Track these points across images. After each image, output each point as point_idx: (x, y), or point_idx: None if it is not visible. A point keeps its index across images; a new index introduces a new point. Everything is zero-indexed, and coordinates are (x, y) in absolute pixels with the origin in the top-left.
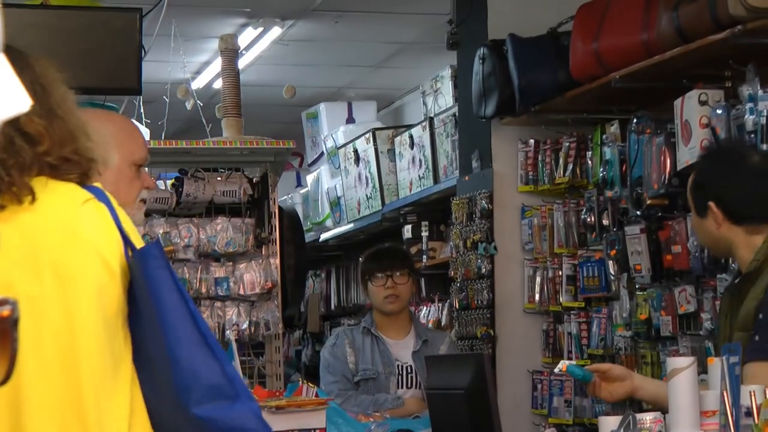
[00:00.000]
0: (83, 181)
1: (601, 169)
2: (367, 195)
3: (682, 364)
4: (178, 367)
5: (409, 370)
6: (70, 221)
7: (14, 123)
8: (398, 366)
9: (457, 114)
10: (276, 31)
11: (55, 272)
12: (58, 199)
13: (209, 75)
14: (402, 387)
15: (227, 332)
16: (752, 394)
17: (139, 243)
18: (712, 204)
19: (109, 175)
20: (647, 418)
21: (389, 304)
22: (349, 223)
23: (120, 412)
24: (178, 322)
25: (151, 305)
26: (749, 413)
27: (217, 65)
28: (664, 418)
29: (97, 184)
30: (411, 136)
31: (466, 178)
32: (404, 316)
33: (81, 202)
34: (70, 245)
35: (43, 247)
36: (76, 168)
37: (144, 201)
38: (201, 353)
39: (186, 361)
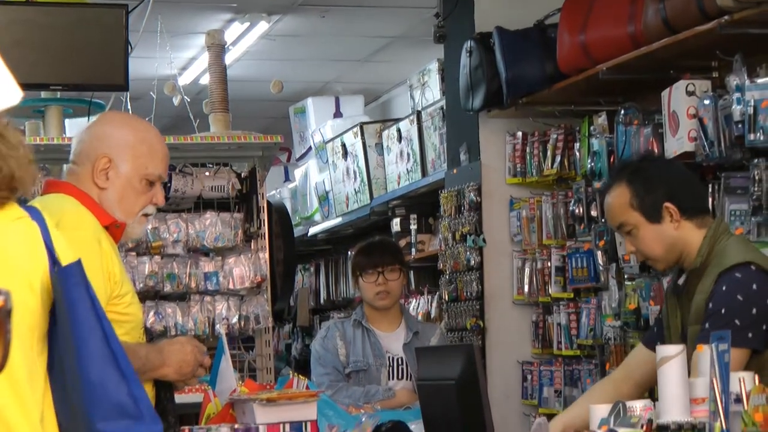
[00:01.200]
0: (10, 196)
1: (589, 161)
2: (355, 189)
3: (671, 353)
4: (87, 382)
5: (399, 362)
6: None
7: None
8: (389, 358)
9: (444, 107)
10: (263, 26)
11: None
12: None
13: (196, 71)
14: (393, 378)
15: (217, 326)
16: (741, 381)
17: (67, 261)
18: (668, 204)
19: (117, 183)
20: (637, 406)
21: (380, 300)
22: (337, 217)
23: (33, 421)
24: (90, 339)
25: (67, 321)
26: (738, 400)
27: (204, 61)
28: (654, 405)
29: (34, 204)
30: (399, 130)
31: (454, 171)
32: (395, 308)
33: (11, 220)
34: None
35: None
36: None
37: (147, 216)
38: (109, 371)
39: (95, 377)
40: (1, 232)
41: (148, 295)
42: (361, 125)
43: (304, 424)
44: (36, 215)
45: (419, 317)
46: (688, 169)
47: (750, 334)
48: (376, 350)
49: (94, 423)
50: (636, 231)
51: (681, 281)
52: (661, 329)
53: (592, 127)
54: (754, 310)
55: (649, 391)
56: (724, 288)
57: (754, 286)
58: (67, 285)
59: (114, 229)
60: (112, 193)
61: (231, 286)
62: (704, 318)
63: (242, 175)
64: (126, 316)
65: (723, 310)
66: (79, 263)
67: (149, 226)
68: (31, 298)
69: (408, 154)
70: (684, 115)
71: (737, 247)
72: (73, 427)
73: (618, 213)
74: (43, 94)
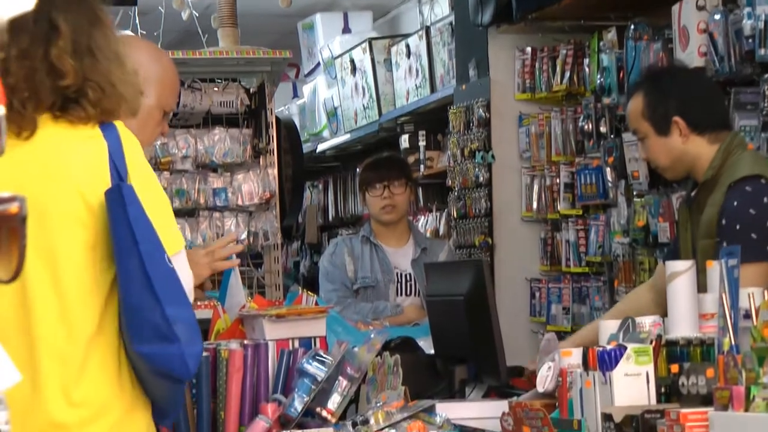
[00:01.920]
0: (104, 118)
1: (599, 76)
2: (363, 105)
3: (680, 268)
4: (126, 304)
5: (408, 278)
6: (56, 158)
7: (45, 57)
8: (397, 274)
9: (453, 22)
10: None
11: (33, 205)
12: (54, 136)
13: None
14: (401, 295)
15: None
16: (751, 296)
17: (136, 180)
18: (677, 118)
19: (141, 112)
20: (646, 321)
21: (386, 214)
22: (346, 133)
23: (76, 339)
24: (128, 262)
25: (111, 243)
26: (748, 315)
27: None
28: (663, 321)
29: (117, 123)
30: (407, 46)
31: (463, 87)
32: (403, 224)
33: (82, 140)
34: (50, 181)
35: (26, 180)
36: (99, 104)
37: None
38: (145, 295)
39: (132, 300)
40: (67, 150)
41: None
42: (370, 41)
43: (313, 339)
44: (111, 133)
45: (428, 234)
46: (711, 84)
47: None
48: (384, 266)
49: (132, 344)
50: (646, 140)
51: (694, 193)
52: (677, 243)
53: (601, 43)
54: None
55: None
56: (735, 203)
57: (765, 199)
58: (110, 205)
59: None
60: (135, 122)
61: (240, 202)
62: (718, 234)
63: (251, 90)
64: None
65: (738, 226)
66: (123, 186)
67: (158, 142)
68: (87, 215)
69: (417, 70)
70: (694, 29)
71: (749, 161)
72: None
73: (633, 119)
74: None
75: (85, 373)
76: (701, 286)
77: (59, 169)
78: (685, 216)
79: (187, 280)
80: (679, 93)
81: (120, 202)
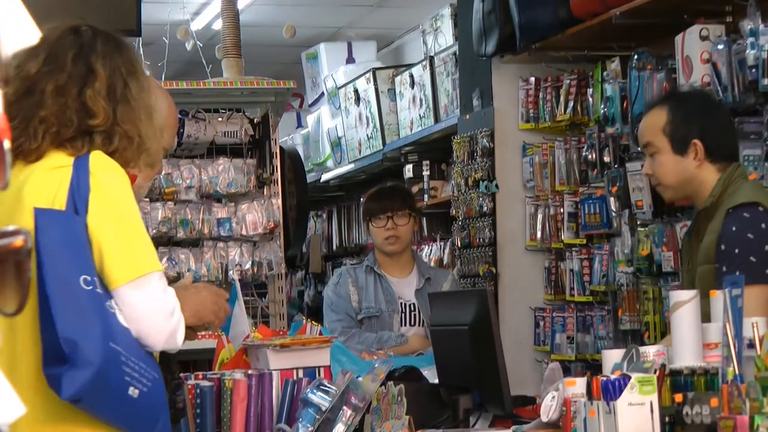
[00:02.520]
0: (126, 161)
1: (602, 106)
2: (367, 135)
3: (684, 298)
4: (42, 326)
5: (412, 308)
6: (24, 185)
7: (78, 96)
8: (401, 304)
9: (457, 52)
10: None
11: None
12: (38, 165)
13: (209, 15)
14: (405, 325)
15: (230, 272)
16: (755, 325)
17: (95, 210)
18: (697, 141)
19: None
20: (650, 351)
21: (389, 245)
22: (350, 163)
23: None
24: (38, 285)
25: None
26: (752, 345)
27: (216, 5)
28: (667, 350)
29: (94, 153)
30: (411, 76)
31: (467, 116)
32: (406, 254)
33: (48, 169)
34: (15, 205)
35: (3, 204)
36: (126, 143)
37: None
38: (45, 316)
39: (39, 321)
40: (34, 178)
41: (161, 241)
42: (374, 71)
43: (317, 369)
44: (80, 164)
45: (432, 263)
46: (728, 116)
47: (767, 270)
48: (388, 296)
49: (43, 367)
50: (658, 155)
51: (692, 222)
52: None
53: (605, 73)
54: (767, 247)
55: (662, 335)
56: (733, 228)
57: (763, 225)
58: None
59: None
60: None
61: (244, 232)
62: (717, 259)
63: (255, 120)
64: None
65: (737, 250)
66: (37, 213)
67: (162, 173)
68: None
69: (421, 100)
70: (697, 59)
71: (749, 189)
72: None
73: (649, 132)
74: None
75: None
76: (703, 314)
77: (21, 195)
78: (687, 246)
79: (154, 304)
80: (704, 118)
81: (41, 225)
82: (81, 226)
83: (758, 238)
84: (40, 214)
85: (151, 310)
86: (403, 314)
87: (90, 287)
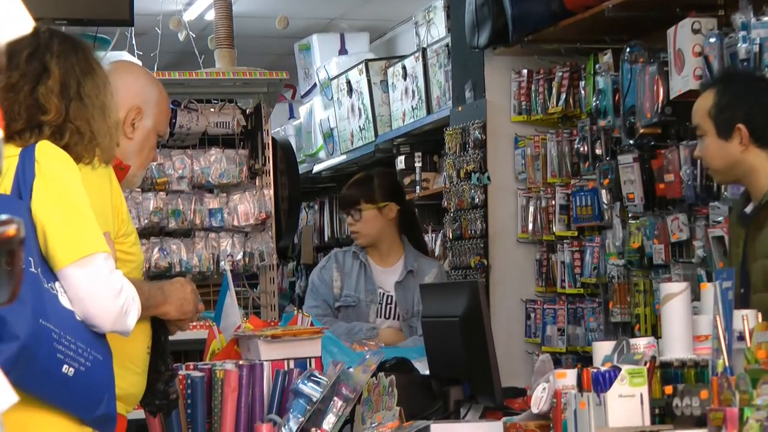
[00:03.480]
0: (78, 156)
1: (594, 99)
2: (360, 126)
3: (675, 290)
4: None
5: (389, 301)
6: None
7: (30, 93)
8: (380, 294)
9: (450, 44)
10: None
11: None
12: None
13: (201, 6)
14: (381, 317)
15: (222, 263)
16: (745, 318)
17: (39, 198)
18: (741, 125)
19: (139, 134)
20: (641, 343)
21: (355, 239)
22: (342, 154)
23: None
24: None
25: None
26: (741, 337)
27: None
28: (658, 342)
29: (41, 143)
30: (404, 67)
31: (459, 108)
32: (391, 244)
33: None
34: None
35: None
36: (78, 139)
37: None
38: None
39: None
40: None
41: (152, 232)
42: (366, 62)
43: (308, 360)
44: (27, 153)
45: None
46: None
47: None
48: (369, 285)
49: None
50: (705, 138)
51: (749, 210)
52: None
53: (597, 65)
54: None
55: (652, 327)
56: None
57: None
58: None
59: (118, 171)
60: (134, 144)
61: (235, 223)
62: None
63: (247, 111)
64: (130, 255)
65: None
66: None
67: (154, 163)
68: None
69: (413, 92)
70: (689, 53)
71: None
72: None
73: (697, 115)
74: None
75: None
76: (762, 306)
77: None
78: (738, 231)
79: (99, 284)
80: (750, 101)
81: None
82: (24, 210)
83: None
84: None
85: (96, 289)
86: (380, 305)
87: (27, 268)
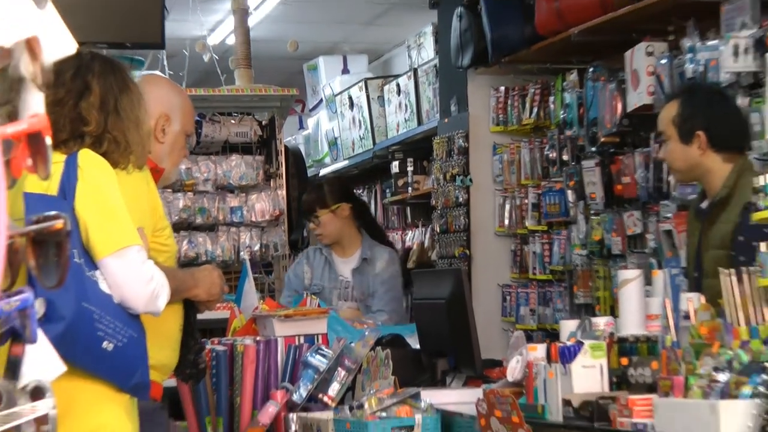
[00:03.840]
0: (115, 162)
1: (562, 112)
2: (360, 136)
3: (630, 276)
4: None
5: (346, 285)
6: (25, 178)
7: (74, 107)
8: (341, 281)
9: (437, 65)
10: None
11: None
12: None
13: (223, 32)
14: (341, 299)
15: (242, 253)
16: (690, 300)
17: (81, 200)
18: (701, 132)
19: (169, 138)
20: (601, 321)
21: (320, 241)
22: (344, 160)
23: None
24: None
25: None
26: (687, 317)
27: (230, 23)
28: (616, 321)
29: (83, 151)
30: (398, 85)
31: (446, 120)
32: (350, 238)
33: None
34: (16, 195)
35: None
36: (114, 147)
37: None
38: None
39: None
40: (29, 175)
41: (182, 226)
42: (366, 80)
43: (316, 336)
44: (70, 160)
45: (414, 247)
46: (737, 110)
47: None
48: (332, 274)
49: None
50: (668, 142)
51: (704, 206)
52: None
53: (564, 83)
54: None
55: (611, 308)
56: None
57: None
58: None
59: (155, 173)
60: (165, 147)
61: (253, 219)
62: (734, 248)
63: (263, 123)
64: (165, 246)
65: (754, 243)
66: (32, 195)
67: (183, 167)
68: None
69: (406, 106)
70: (644, 72)
71: None
72: None
73: (662, 122)
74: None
75: None
76: (712, 290)
77: (22, 186)
78: (695, 225)
79: (133, 272)
80: (709, 112)
81: (26, 210)
82: (68, 209)
83: None
84: (28, 197)
85: (130, 277)
86: (340, 291)
87: (72, 258)
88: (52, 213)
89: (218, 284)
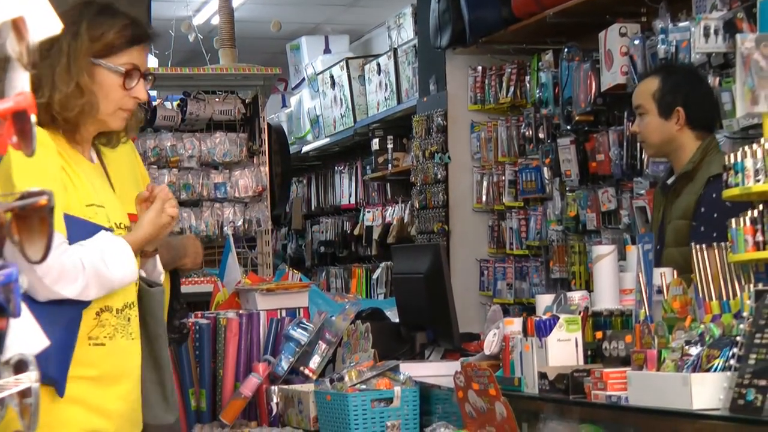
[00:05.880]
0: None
1: (538, 91)
2: (341, 114)
3: (604, 251)
4: None
5: None
6: None
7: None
8: None
9: (417, 45)
10: None
11: None
12: None
13: (208, 12)
14: None
15: (225, 228)
16: (662, 275)
17: None
18: (680, 108)
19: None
20: (576, 295)
21: None
22: (326, 137)
23: None
24: None
25: None
26: (660, 291)
27: (214, 3)
28: (590, 295)
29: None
30: (378, 64)
31: (425, 99)
32: None
33: None
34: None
35: None
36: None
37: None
38: None
39: None
40: None
41: None
42: (347, 60)
43: (297, 310)
44: None
45: (394, 222)
46: (712, 92)
47: None
48: None
49: None
50: (645, 116)
51: (670, 181)
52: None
53: (540, 63)
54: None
55: (586, 283)
56: (714, 195)
57: None
58: None
59: None
60: None
61: (237, 195)
62: (696, 219)
63: (246, 101)
64: None
65: (716, 215)
66: None
67: (168, 144)
68: None
69: (386, 85)
70: (617, 53)
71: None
72: None
73: (641, 96)
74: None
75: None
76: (669, 258)
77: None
78: (660, 200)
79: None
80: (687, 89)
81: None
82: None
83: (735, 206)
84: None
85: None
86: None
87: None
88: (36, 190)
89: (201, 253)
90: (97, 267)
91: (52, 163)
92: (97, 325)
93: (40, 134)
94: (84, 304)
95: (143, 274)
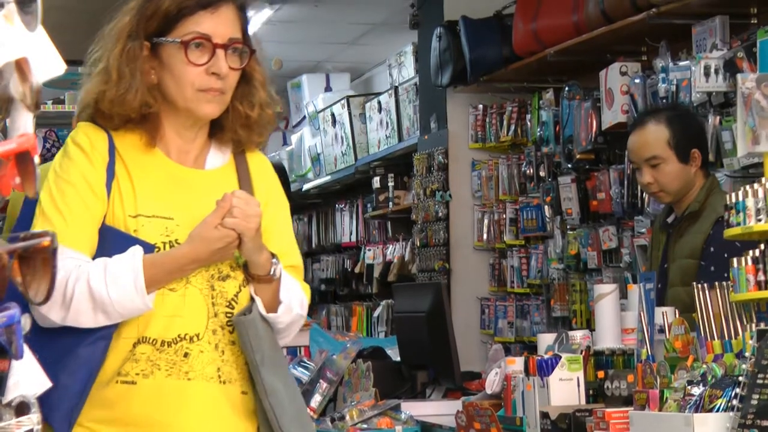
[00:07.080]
0: None
1: (539, 129)
2: (342, 152)
3: (606, 290)
4: None
5: None
6: None
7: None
8: None
9: (417, 83)
10: (266, 13)
11: None
12: None
13: None
14: None
15: None
16: (664, 314)
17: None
18: (695, 151)
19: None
20: (577, 335)
21: None
22: (327, 175)
23: None
24: None
25: None
26: (662, 330)
27: None
28: (592, 334)
29: None
30: (379, 102)
31: (426, 137)
32: None
33: None
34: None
35: None
36: None
37: None
38: None
39: None
40: None
41: None
42: (348, 98)
43: (298, 348)
44: None
45: (395, 261)
46: (704, 126)
47: None
48: None
49: None
50: (663, 165)
51: (670, 220)
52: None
53: (541, 101)
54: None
55: (587, 321)
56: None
57: None
58: None
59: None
60: None
61: None
62: (704, 258)
63: None
64: None
65: (726, 255)
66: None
67: None
68: None
69: (387, 123)
70: (618, 91)
71: None
72: None
73: (654, 147)
74: (81, 69)
75: None
76: (676, 298)
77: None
78: (659, 238)
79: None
80: (697, 129)
81: None
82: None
83: (744, 246)
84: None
85: None
86: None
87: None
88: (39, 231)
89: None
90: (95, 289)
91: (85, 170)
92: (129, 359)
93: (86, 138)
94: (107, 335)
95: (258, 304)
